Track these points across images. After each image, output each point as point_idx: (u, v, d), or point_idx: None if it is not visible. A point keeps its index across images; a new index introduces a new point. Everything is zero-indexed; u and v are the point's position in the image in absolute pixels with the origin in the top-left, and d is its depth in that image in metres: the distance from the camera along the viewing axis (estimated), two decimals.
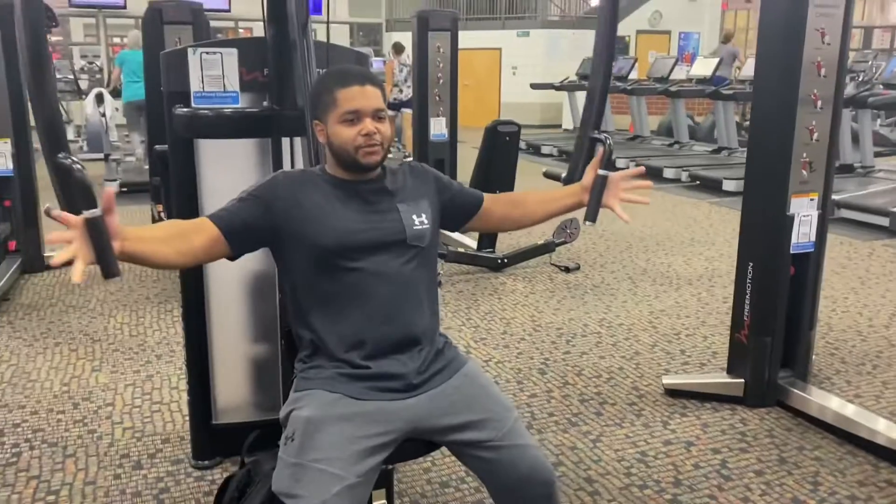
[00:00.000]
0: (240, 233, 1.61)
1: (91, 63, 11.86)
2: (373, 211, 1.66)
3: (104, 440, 2.68)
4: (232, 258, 1.65)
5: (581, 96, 12.44)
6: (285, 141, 2.36)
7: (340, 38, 16.24)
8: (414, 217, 1.68)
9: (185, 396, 2.93)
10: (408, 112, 9.85)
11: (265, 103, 2.27)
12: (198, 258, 1.62)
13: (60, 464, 2.52)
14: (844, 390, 3.13)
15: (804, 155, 2.78)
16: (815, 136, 2.78)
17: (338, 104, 1.63)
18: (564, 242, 5.12)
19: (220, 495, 1.83)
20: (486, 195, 1.91)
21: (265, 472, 1.70)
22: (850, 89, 8.35)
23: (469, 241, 5.32)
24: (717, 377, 3.15)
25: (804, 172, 2.79)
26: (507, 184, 4.90)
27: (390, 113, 1.87)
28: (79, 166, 1.43)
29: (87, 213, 1.31)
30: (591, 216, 1.88)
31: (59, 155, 1.34)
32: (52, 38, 13.95)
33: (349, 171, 1.68)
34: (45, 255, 4.82)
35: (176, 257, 1.56)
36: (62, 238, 1.31)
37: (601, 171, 1.83)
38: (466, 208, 1.88)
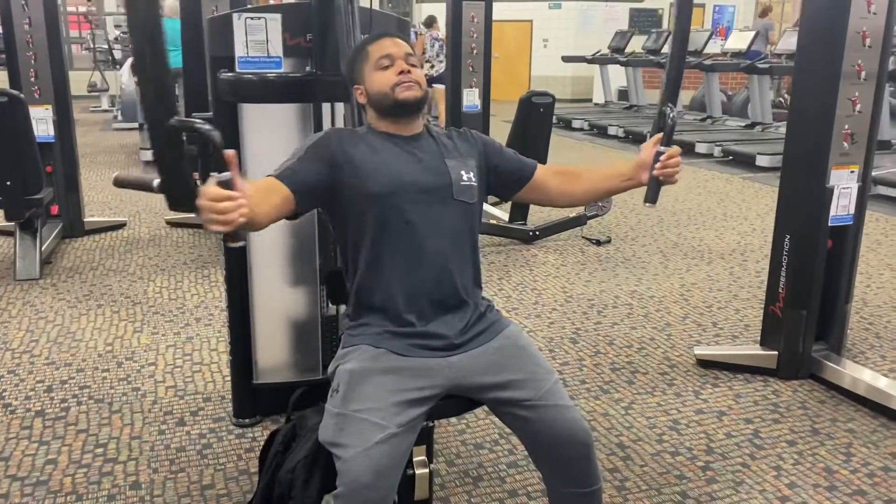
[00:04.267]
0: (307, 191, 1.60)
1: (125, 33, 11.94)
2: (420, 163, 1.70)
3: (148, 398, 2.76)
4: (294, 218, 1.63)
5: (613, 70, 12.33)
6: (326, 106, 2.40)
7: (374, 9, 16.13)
8: (462, 173, 1.71)
9: (224, 358, 3.01)
10: (439, 87, 9.81)
11: (308, 68, 2.30)
12: (270, 219, 1.54)
13: (107, 419, 2.61)
14: (879, 364, 3.12)
15: (846, 126, 2.75)
16: (858, 107, 2.74)
17: (370, 56, 1.72)
18: (596, 216, 5.12)
19: (265, 449, 1.88)
20: (540, 166, 1.87)
21: (310, 427, 1.75)
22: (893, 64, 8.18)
23: (501, 213, 5.34)
24: (750, 349, 3.15)
25: (845, 144, 2.77)
26: (540, 156, 4.88)
27: (435, 86, 1.92)
28: (210, 127, 1.39)
29: (218, 177, 1.28)
30: (651, 198, 1.75)
31: (173, 119, 1.32)
32: (84, 8, 14.06)
33: (391, 118, 1.71)
34: (84, 219, 4.92)
35: (261, 219, 1.49)
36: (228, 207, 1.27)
37: (660, 148, 1.72)
38: (517, 175, 1.85)
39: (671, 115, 1.78)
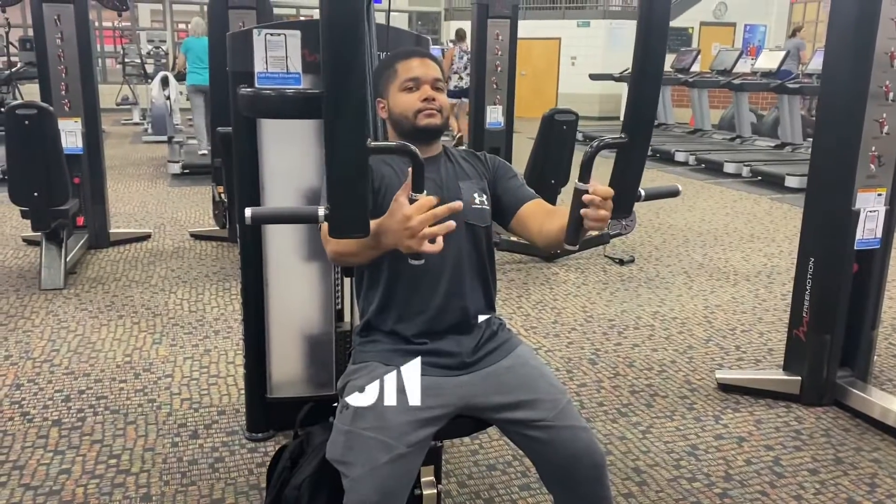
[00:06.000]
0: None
1: (157, 48, 12.19)
2: (435, 186, 1.69)
3: (163, 410, 2.77)
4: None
5: None
6: None
7: (398, 26, 16.30)
8: (475, 195, 1.70)
9: (241, 371, 3.01)
10: (464, 101, 9.83)
11: None
12: None
13: (122, 430, 2.62)
14: None
15: (873, 148, 2.69)
16: (886, 129, 2.68)
17: (398, 74, 1.71)
18: (619, 234, 5.08)
19: (273, 465, 1.87)
20: (536, 202, 1.75)
21: (317, 444, 1.74)
22: None
23: None
24: (772, 374, 3.09)
25: (872, 166, 2.71)
26: (561, 174, 4.87)
27: (452, 101, 1.89)
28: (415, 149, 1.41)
29: (423, 197, 1.36)
30: (569, 238, 1.45)
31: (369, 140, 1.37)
32: (121, 24, 14.36)
33: (410, 141, 1.70)
34: (110, 230, 4.99)
35: None
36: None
37: (578, 184, 1.40)
38: (512, 202, 1.76)
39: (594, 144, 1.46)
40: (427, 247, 1.35)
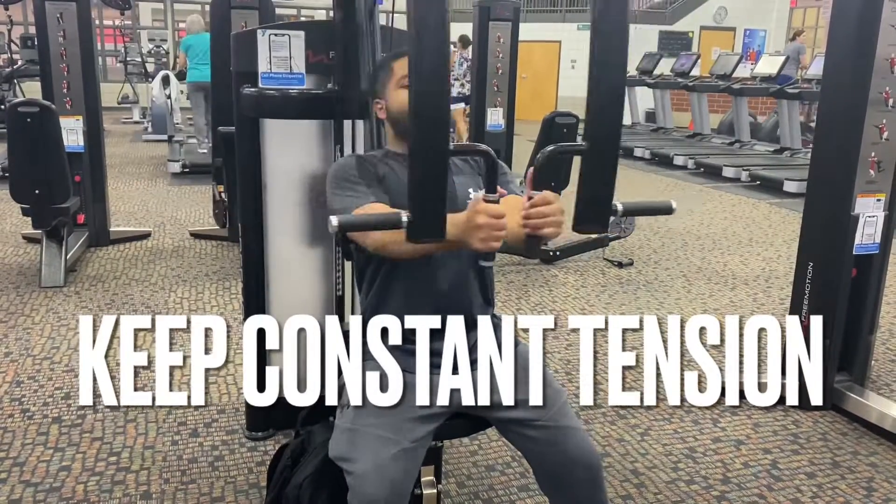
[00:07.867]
0: None
1: (158, 47, 12.18)
2: None
3: (163, 408, 2.77)
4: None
5: (640, 92, 12.29)
6: (347, 123, 2.41)
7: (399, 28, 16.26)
8: (469, 191, 1.72)
9: (240, 370, 3.02)
10: (459, 107, 9.78)
11: (330, 85, 2.31)
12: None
13: (122, 428, 2.62)
14: None
15: (872, 154, 2.71)
16: (885, 135, 2.70)
17: (394, 72, 1.73)
18: (618, 237, 5.09)
19: (274, 463, 1.88)
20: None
21: (318, 443, 1.75)
22: None
23: None
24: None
25: (871, 172, 2.72)
26: (562, 177, 4.88)
27: (454, 106, 1.90)
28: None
29: (491, 196, 1.37)
30: (526, 249, 1.57)
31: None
32: (122, 22, 14.34)
33: (407, 139, 1.72)
34: (110, 229, 4.99)
35: None
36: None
37: (528, 191, 1.46)
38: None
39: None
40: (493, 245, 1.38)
